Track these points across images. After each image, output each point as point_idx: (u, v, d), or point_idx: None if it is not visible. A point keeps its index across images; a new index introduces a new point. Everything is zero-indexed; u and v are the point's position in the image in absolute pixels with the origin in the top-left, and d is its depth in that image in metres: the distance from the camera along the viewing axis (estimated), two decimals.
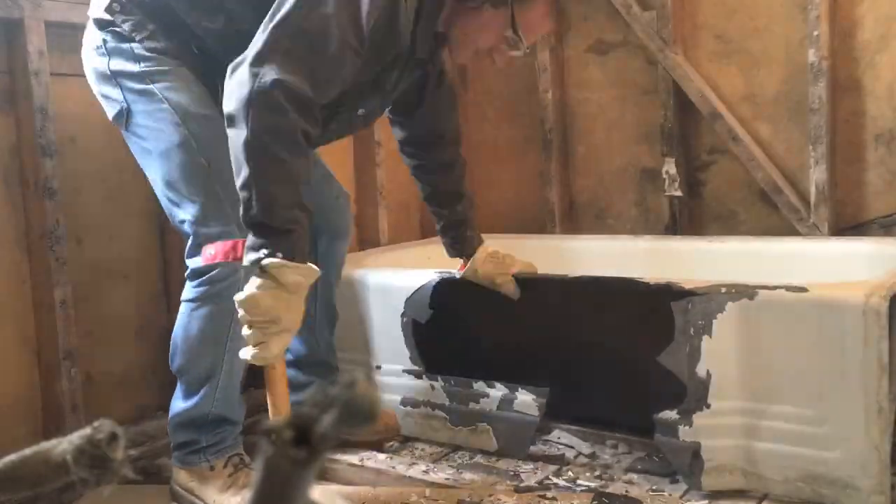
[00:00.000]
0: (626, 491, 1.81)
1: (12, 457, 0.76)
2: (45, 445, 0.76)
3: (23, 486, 0.77)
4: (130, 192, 2.21)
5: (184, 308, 1.74)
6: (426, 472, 1.96)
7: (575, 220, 2.97)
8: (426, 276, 2.17)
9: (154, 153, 1.70)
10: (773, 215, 2.55)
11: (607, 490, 1.82)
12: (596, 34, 2.85)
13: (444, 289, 2.15)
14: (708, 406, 1.74)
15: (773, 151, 2.55)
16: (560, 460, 2.00)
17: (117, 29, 1.70)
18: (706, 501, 1.74)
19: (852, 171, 2.43)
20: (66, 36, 2.06)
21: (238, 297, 1.44)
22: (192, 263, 1.71)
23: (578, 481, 1.88)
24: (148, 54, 1.69)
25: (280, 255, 1.41)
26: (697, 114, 2.63)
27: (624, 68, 2.80)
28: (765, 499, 1.72)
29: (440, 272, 2.18)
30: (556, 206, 2.92)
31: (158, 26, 1.69)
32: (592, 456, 2.01)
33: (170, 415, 1.80)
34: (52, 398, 1.99)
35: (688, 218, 2.70)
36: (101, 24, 1.72)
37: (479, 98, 3.13)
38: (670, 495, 1.78)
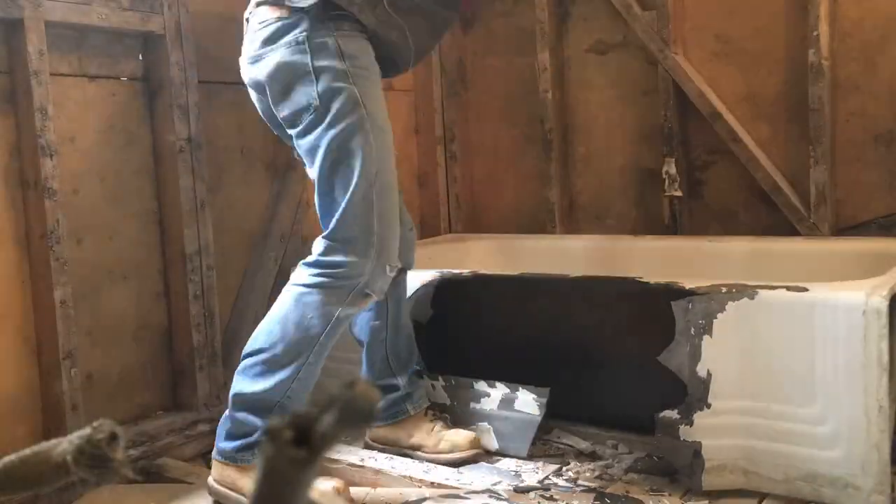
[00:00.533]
0: (627, 492, 1.81)
1: (12, 457, 0.76)
2: (45, 445, 0.76)
3: (23, 486, 0.77)
4: (130, 192, 2.21)
5: (293, 291, 1.79)
6: (426, 472, 1.96)
7: (575, 220, 2.97)
8: (427, 276, 2.17)
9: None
10: (773, 215, 2.55)
11: (607, 490, 1.82)
12: (596, 34, 2.85)
13: (445, 289, 2.15)
14: (708, 405, 1.74)
15: (773, 151, 2.55)
16: (560, 460, 2.00)
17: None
18: (707, 501, 1.74)
19: (852, 171, 2.43)
20: (66, 36, 2.06)
21: None
22: (321, 254, 1.76)
23: (579, 481, 1.88)
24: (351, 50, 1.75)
25: None
26: (697, 114, 2.63)
27: (624, 68, 2.80)
28: (765, 498, 1.72)
29: (441, 272, 2.18)
30: (556, 206, 2.92)
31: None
32: (593, 456, 2.01)
33: (232, 399, 1.81)
34: (52, 398, 1.98)
35: (688, 218, 2.70)
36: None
37: (479, 98, 3.13)
38: (671, 495, 1.78)
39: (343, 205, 1.73)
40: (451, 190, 3.19)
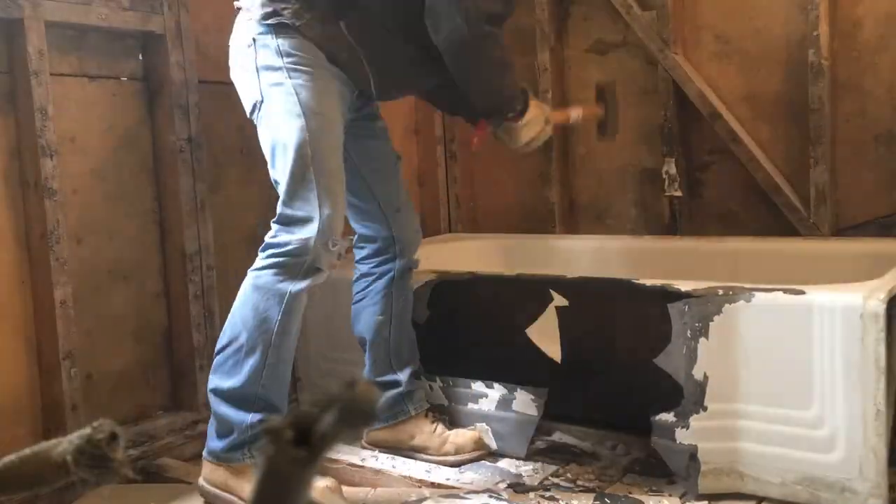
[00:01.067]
0: (629, 492, 1.81)
1: (12, 457, 0.76)
2: (45, 445, 0.76)
3: (23, 486, 0.77)
4: (130, 192, 2.21)
5: (248, 277, 1.83)
6: (427, 471, 1.96)
7: (575, 220, 2.97)
8: (424, 276, 2.18)
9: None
10: (773, 215, 2.54)
11: (607, 490, 1.82)
12: (596, 34, 2.85)
13: (443, 289, 2.15)
14: (705, 408, 1.74)
15: (773, 151, 2.55)
16: (560, 461, 2.00)
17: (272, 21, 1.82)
18: (706, 502, 1.74)
19: (852, 171, 2.43)
20: (66, 36, 2.06)
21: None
22: (270, 236, 1.81)
23: (578, 482, 1.88)
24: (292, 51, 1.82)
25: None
26: (697, 114, 2.63)
27: (624, 68, 2.80)
28: (762, 501, 1.72)
29: (438, 272, 2.18)
30: (556, 206, 2.92)
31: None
32: (593, 456, 2.01)
33: (210, 396, 1.83)
34: (52, 398, 1.99)
35: (688, 218, 2.70)
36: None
37: None
38: (670, 496, 1.78)
39: (284, 187, 1.80)
40: (451, 190, 3.19)
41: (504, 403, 2.05)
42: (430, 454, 2.03)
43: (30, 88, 1.92)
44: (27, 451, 0.76)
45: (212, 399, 1.82)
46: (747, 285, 1.73)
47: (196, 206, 2.25)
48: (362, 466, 2.00)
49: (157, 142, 2.25)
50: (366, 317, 2.10)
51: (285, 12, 1.79)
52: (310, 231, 1.77)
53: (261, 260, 1.81)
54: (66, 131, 2.05)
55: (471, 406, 2.10)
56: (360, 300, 2.11)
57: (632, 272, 2.01)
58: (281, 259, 1.79)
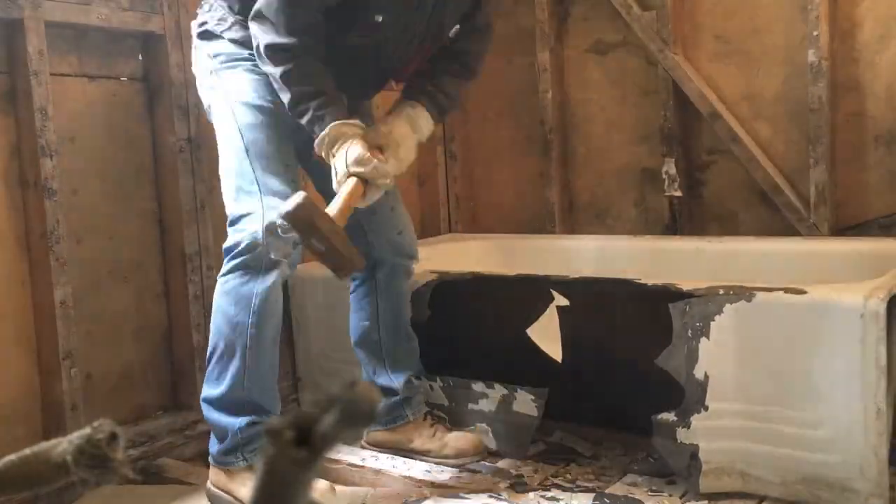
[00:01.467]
0: (631, 493, 1.81)
1: (12, 457, 0.76)
2: (45, 445, 0.76)
3: (23, 486, 0.77)
4: (130, 192, 2.21)
5: (217, 285, 1.83)
6: (427, 471, 1.96)
7: (575, 220, 2.97)
8: (425, 276, 2.17)
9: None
10: (773, 215, 2.55)
11: (607, 490, 1.82)
12: (596, 34, 2.85)
13: (443, 289, 2.15)
14: (706, 408, 1.74)
15: (773, 151, 2.55)
16: (560, 461, 2.00)
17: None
18: (706, 502, 1.74)
19: (852, 171, 2.43)
20: (66, 36, 2.06)
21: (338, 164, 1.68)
22: (227, 241, 1.81)
23: (578, 482, 1.88)
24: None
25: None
26: (697, 114, 2.63)
27: (624, 68, 2.80)
28: (763, 501, 1.72)
29: (439, 273, 2.18)
30: (556, 206, 2.92)
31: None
32: (593, 456, 2.01)
33: (203, 405, 1.84)
34: (52, 398, 1.99)
35: (688, 218, 2.70)
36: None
37: (479, 98, 3.13)
38: (670, 496, 1.78)
39: (225, 187, 1.83)
40: (451, 190, 3.19)
41: (504, 404, 2.05)
42: (431, 457, 2.03)
43: (30, 88, 1.92)
44: (27, 451, 0.76)
45: (203, 408, 1.84)
46: (748, 285, 1.73)
47: (196, 206, 2.25)
48: (362, 466, 2.00)
49: (157, 142, 2.25)
50: (353, 322, 2.11)
51: (210, 22, 1.88)
52: (255, 222, 1.76)
53: (224, 266, 1.81)
54: (66, 131, 2.04)
55: (471, 406, 2.10)
56: (351, 306, 2.12)
57: (632, 272, 2.01)
58: (238, 260, 1.78)
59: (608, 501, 1.77)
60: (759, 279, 1.78)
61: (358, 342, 2.11)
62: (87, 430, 0.73)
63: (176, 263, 2.26)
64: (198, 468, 2.10)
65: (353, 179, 1.68)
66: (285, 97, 1.73)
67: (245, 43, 1.83)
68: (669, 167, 2.66)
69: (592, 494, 1.80)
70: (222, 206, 2.38)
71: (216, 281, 2.28)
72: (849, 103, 2.42)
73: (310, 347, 2.42)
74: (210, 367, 1.82)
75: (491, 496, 1.81)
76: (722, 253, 2.43)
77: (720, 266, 2.30)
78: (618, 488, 1.83)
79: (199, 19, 1.92)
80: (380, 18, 1.77)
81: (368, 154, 1.67)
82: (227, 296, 1.79)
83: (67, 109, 2.06)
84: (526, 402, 2.02)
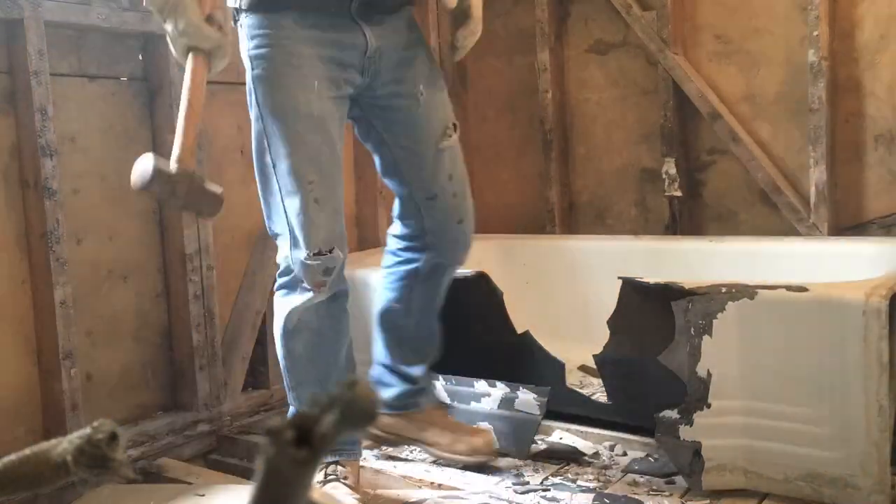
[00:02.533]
0: (633, 492, 1.81)
1: (12, 457, 0.76)
2: (44, 445, 0.76)
3: (23, 486, 0.77)
4: (130, 192, 2.19)
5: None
6: (427, 471, 1.96)
7: (575, 220, 2.97)
8: None
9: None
10: (773, 215, 2.55)
11: (607, 490, 1.82)
12: (596, 34, 2.85)
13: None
14: (708, 405, 1.74)
15: (773, 151, 2.55)
16: (561, 460, 2.00)
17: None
18: (707, 501, 1.74)
19: (852, 172, 2.43)
20: (66, 36, 2.06)
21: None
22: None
23: (579, 482, 1.88)
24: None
25: None
26: (697, 114, 2.63)
27: (624, 68, 2.81)
28: (765, 498, 1.72)
29: None
30: (556, 206, 2.91)
31: None
32: (593, 456, 2.01)
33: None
34: (52, 398, 1.98)
35: (688, 218, 2.70)
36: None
37: (479, 98, 3.13)
38: (670, 495, 1.78)
39: (262, 202, 1.73)
40: None
41: (506, 403, 2.05)
42: (439, 449, 1.95)
43: (30, 88, 1.91)
44: (27, 451, 0.76)
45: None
46: (750, 283, 1.73)
47: None
48: (363, 466, 2.00)
49: (157, 142, 2.25)
50: (383, 295, 1.97)
51: None
52: (284, 245, 1.70)
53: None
54: (66, 131, 2.04)
55: (473, 405, 2.10)
56: (384, 276, 1.97)
57: (632, 272, 2.01)
58: (279, 279, 1.78)
59: (608, 501, 1.77)
60: (760, 279, 1.78)
61: (381, 321, 1.99)
62: (87, 430, 0.73)
63: (176, 263, 2.26)
64: (197, 468, 2.10)
65: (191, 57, 1.51)
66: None
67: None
68: (669, 167, 2.66)
69: (592, 494, 1.80)
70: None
71: (216, 281, 2.31)
72: (849, 103, 2.42)
73: None
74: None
75: (491, 496, 1.81)
76: (722, 253, 2.43)
77: (720, 266, 2.29)
78: (618, 488, 1.83)
79: None
80: None
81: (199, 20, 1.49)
82: (274, 311, 1.81)
83: (67, 109, 2.06)
84: (528, 402, 2.02)
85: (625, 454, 2.00)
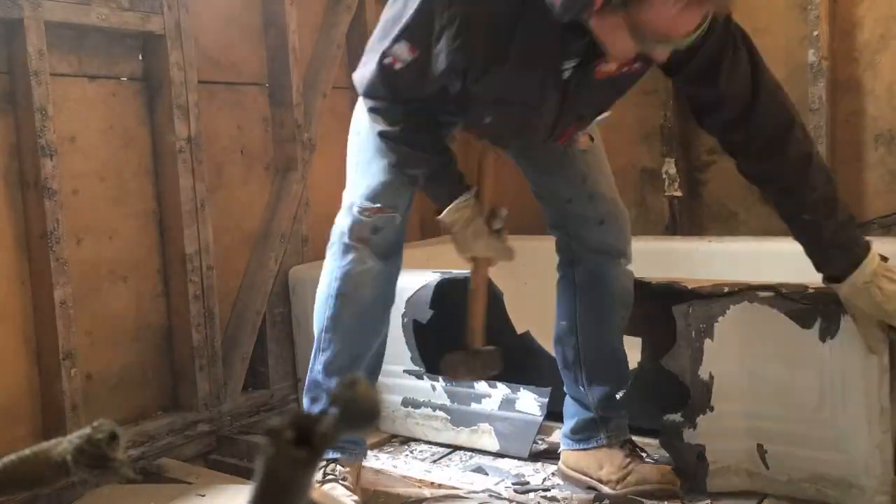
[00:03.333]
0: (631, 493, 1.80)
1: (12, 457, 0.76)
2: (45, 445, 0.76)
3: (23, 486, 0.77)
4: (130, 192, 2.21)
5: None
6: (427, 472, 1.96)
7: None
8: (426, 276, 2.17)
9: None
10: (773, 215, 2.52)
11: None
12: None
13: (445, 289, 2.15)
14: (711, 408, 1.74)
15: None
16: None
17: None
18: (708, 501, 1.74)
19: (852, 171, 2.43)
20: (66, 36, 2.06)
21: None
22: None
23: None
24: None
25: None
26: None
27: None
28: (766, 499, 1.72)
29: (441, 272, 2.18)
30: None
31: None
32: None
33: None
34: (52, 398, 1.98)
35: (688, 218, 2.70)
36: None
37: None
38: (671, 495, 1.77)
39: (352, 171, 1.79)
40: None
41: (507, 404, 2.05)
42: (611, 487, 1.79)
43: (30, 88, 1.91)
44: (27, 451, 0.76)
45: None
46: (752, 284, 1.73)
47: (196, 206, 2.25)
48: (362, 466, 2.00)
49: (156, 142, 2.25)
50: (556, 315, 1.87)
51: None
52: (348, 200, 1.75)
53: None
54: (66, 131, 2.04)
55: (474, 406, 2.10)
56: (556, 293, 1.89)
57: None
58: (332, 239, 1.79)
59: (608, 501, 1.77)
60: (760, 279, 1.78)
61: (556, 340, 1.88)
62: (87, 430, 0.73)
63: (176, 263, 2.26)
64: (197, 468, 2.10)
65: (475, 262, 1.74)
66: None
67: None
68: (669, 167, 2.66)
69: (593, 494, 1.80)
70: (222, 206, 2.40)
71: (216, 281, 2.31)
72: (849, 103, 2.42)
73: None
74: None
75: (491, 496, 1.81)
76: (722, 253, 2.42)
77: (720, 266, 2.29)
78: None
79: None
80: (488, 119, 1.64)
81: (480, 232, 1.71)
82: (323, 272, 1.80)
83: (67, 109, 2.06)
84: (529, 402, 2.02)
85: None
